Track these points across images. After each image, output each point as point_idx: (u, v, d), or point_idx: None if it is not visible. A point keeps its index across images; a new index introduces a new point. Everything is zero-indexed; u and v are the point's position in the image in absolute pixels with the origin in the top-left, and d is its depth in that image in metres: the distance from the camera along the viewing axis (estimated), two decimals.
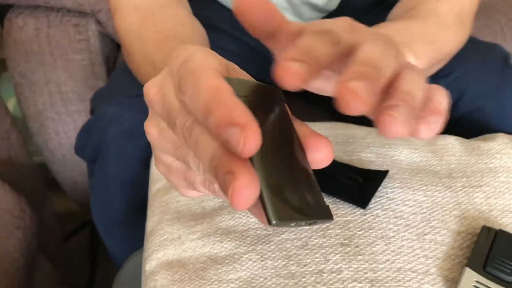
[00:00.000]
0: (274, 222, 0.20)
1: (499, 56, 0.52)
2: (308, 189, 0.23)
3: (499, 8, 1.00)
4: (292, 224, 0.21)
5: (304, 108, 0.66)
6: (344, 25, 0.25)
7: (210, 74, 0.22)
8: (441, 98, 0.24)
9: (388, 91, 0.23)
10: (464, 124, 0.52)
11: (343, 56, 0.24)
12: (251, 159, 0.21)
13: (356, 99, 0.20)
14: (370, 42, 0.24)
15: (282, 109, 0.24)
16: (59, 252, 0.81)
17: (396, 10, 0.47)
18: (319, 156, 0.23)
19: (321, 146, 0.23)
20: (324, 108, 0.66)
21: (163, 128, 0.25)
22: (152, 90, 0.25)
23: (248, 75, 0.27)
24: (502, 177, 0.40)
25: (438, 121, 0.24)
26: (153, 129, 0.26)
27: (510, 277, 0.30)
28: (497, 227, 0.34)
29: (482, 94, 0.51)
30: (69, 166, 0.88)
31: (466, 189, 0.39)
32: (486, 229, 0.34)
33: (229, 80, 0.22)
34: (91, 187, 0.55)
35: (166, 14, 0.45)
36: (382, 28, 0.38)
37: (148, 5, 0.46)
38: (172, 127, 0.24)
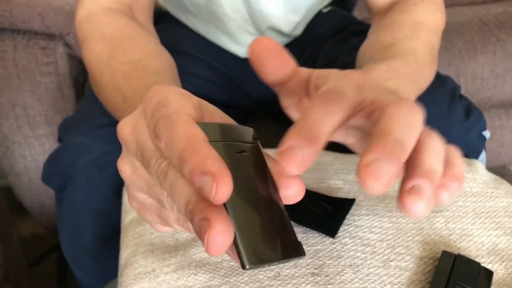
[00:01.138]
0: (247, 266, 0.21)
1: (448, 88, 0.54)
2: (281, 228, 0.24)
3: (457, 31, 1.05)
4: (266, 265, 0.22)
5: (278, 131, 0.68)
6: (354, 80, 0.25)
7: (185, 121, 0.22)
8: (459, 161, 0.24)
9: (410, 160, 0.22)
10: None
11: (353, 114, 0.24)
12: (224, 203, 0.22)
13: (377, 183, 0.20)
14: (394, 107, 0.22)
15: (255, 148, 0.25)
16: (25, 279, 0.79)
17: (371, 43, 0.47)
18: (291, 193, 0.24)
19: (293, 184, 0.24)
20: None
21: (136, 166, 0.26)
22: (126, 130, 0.25)
23: (219, 110, 0.27)
24: (460, 201, 0.43)
25: (459, 186, 0.23)
26: (126, 167, 0.27)
27: None
28: (456, 251, 0.37)
29: (430, 126, 0.52)
30: (36, 190, 0.86)
31: (428, 214, 0.41)
32: (446, 254, 0.36)
33: (203, 125, 0.23)
34: (59, 216, 0.54)
35: (134, 44, 0.45)
36: (372, 71, 0.37)
37: (116, 34, 0.46)
38: (146, 167, 0.24)
